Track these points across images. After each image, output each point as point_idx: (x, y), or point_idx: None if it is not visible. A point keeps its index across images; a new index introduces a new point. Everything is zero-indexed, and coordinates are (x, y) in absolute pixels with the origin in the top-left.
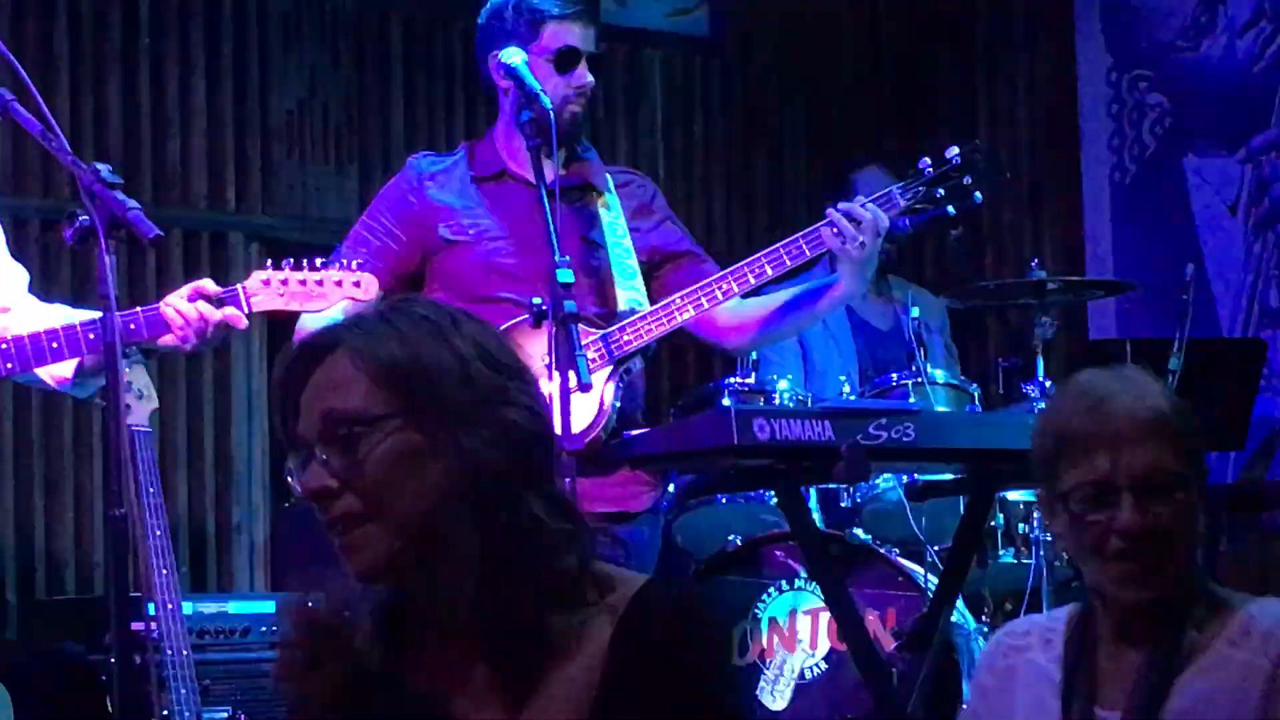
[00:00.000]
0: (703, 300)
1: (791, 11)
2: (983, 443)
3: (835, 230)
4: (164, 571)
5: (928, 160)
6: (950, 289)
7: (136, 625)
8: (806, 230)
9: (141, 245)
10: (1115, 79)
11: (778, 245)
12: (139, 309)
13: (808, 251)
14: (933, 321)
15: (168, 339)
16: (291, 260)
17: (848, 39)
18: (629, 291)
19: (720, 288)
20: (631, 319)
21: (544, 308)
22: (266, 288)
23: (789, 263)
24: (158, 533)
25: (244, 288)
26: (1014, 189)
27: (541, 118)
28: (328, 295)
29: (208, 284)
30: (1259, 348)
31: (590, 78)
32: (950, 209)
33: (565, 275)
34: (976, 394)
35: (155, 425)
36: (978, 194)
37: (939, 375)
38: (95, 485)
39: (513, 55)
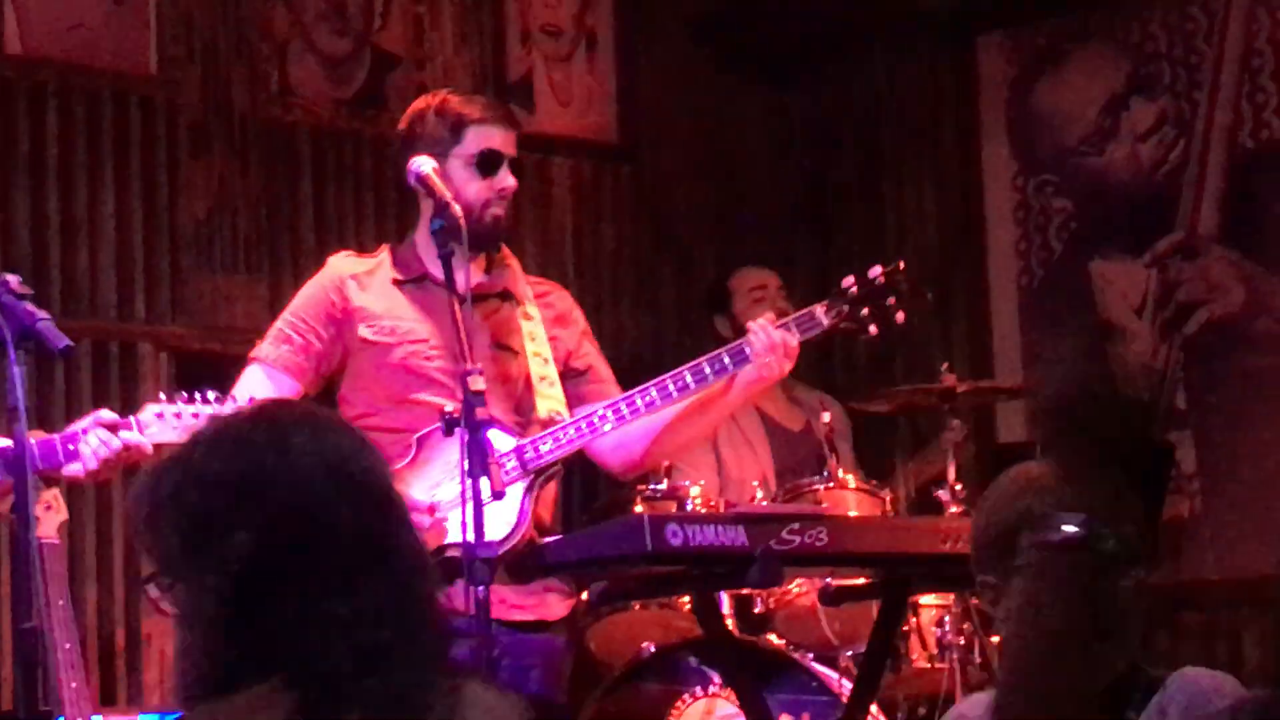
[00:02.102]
0: (624, 410)
1: (699, 118)
2: (896, 546)
3: (754, 348)
4: (74, 685)
5: (851, 280)
6: (859, 394)
7: None
8: (730, 346)
9: (50, 356)
10: (1021, 183)
11: (701, 359)
12: (51, 436)
13: (730, 365)
14: (841, 426)
15: (74, 468)
16: (184, 394)
17: (755, 144)
18: (548, 400)
19: (643, 398)
20: (552, 429)
21: (454, 416)
22: (160, 420)
23: (710, 376)
24: (67, 645)
25: (137, 420)
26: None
27: (452, 224)
28: None
29: (105, 414)
30: (1168, 450)
31: (513, 180)
32: (872, 328)
33: (477, 382)
34: (888, 498)
35: (64, 537)
36: (899, 315)
37: (851, 479)
38: (2, 598)
39: (423, 164)
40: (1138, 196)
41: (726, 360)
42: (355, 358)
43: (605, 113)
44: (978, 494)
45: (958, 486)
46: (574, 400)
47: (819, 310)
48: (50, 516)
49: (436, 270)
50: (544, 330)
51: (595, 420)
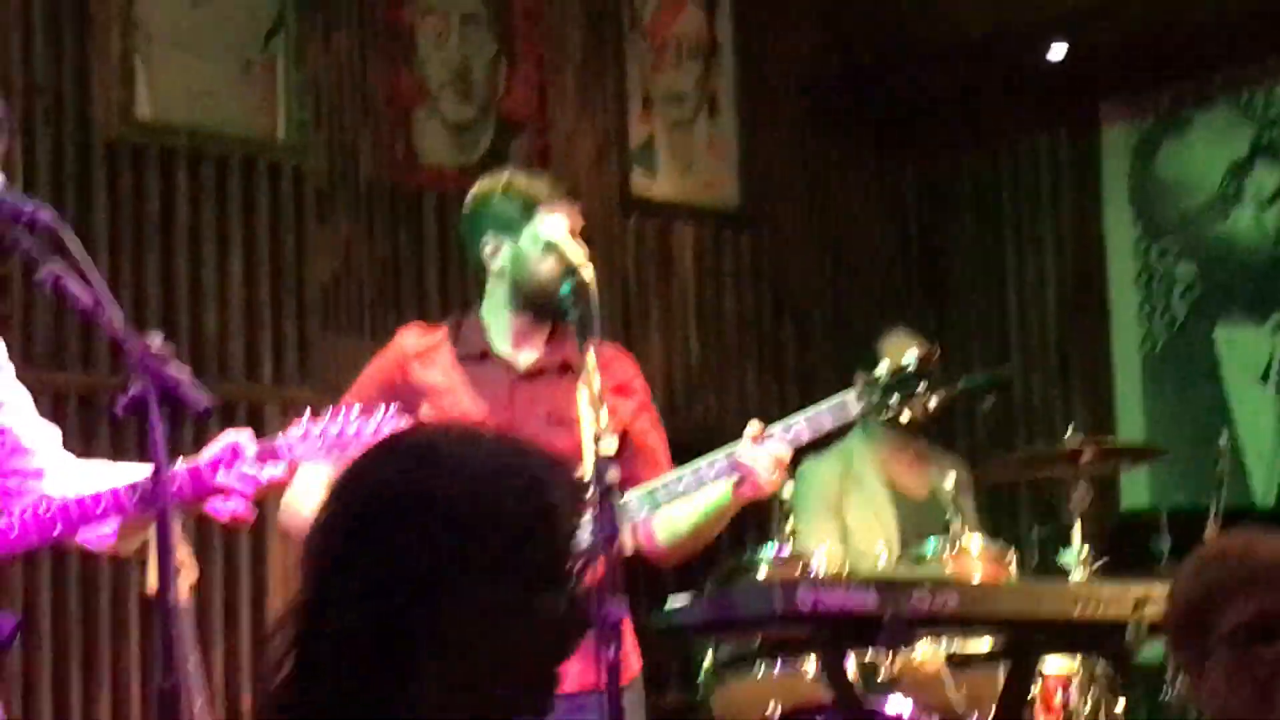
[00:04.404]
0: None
1: (816, 183)
2: (1024, 610)
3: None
4: None
5: (886, 365)
6: (982, 458)
7: None
8: (727, 450)
9: (193, 418)
10: (1144, 248)
11: (701, 463)
12: (180, 466)
13: (727, 469)
14: (965, 487)
15: (216, 505)
16: (329, 412)
17: (872, 210)
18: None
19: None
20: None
21: (584, 482)
22: (305, 440)
23: (709, 480)
24: (198, 706)
25: (285, 441)
26: (1042, 358)
27: (582, 287)
28: (365, 443)
29: (244, 441)
30: None
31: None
32: (904, 415)
33: (607, 447)
34: (1011, 561)
35: (193, 597)
36: (931, 401)
37: (976, 543)
38: (132, 660)
39: (554, 228)
40: (1262, 262)
41: (721, 465)
42: None
43: (726, 178)
44: (1097, 560)
45: (1083, 551)
46: (625, 476)
47: (848, 399)
48: (179, 577)
49: (503, 345)
50: (602, 396)
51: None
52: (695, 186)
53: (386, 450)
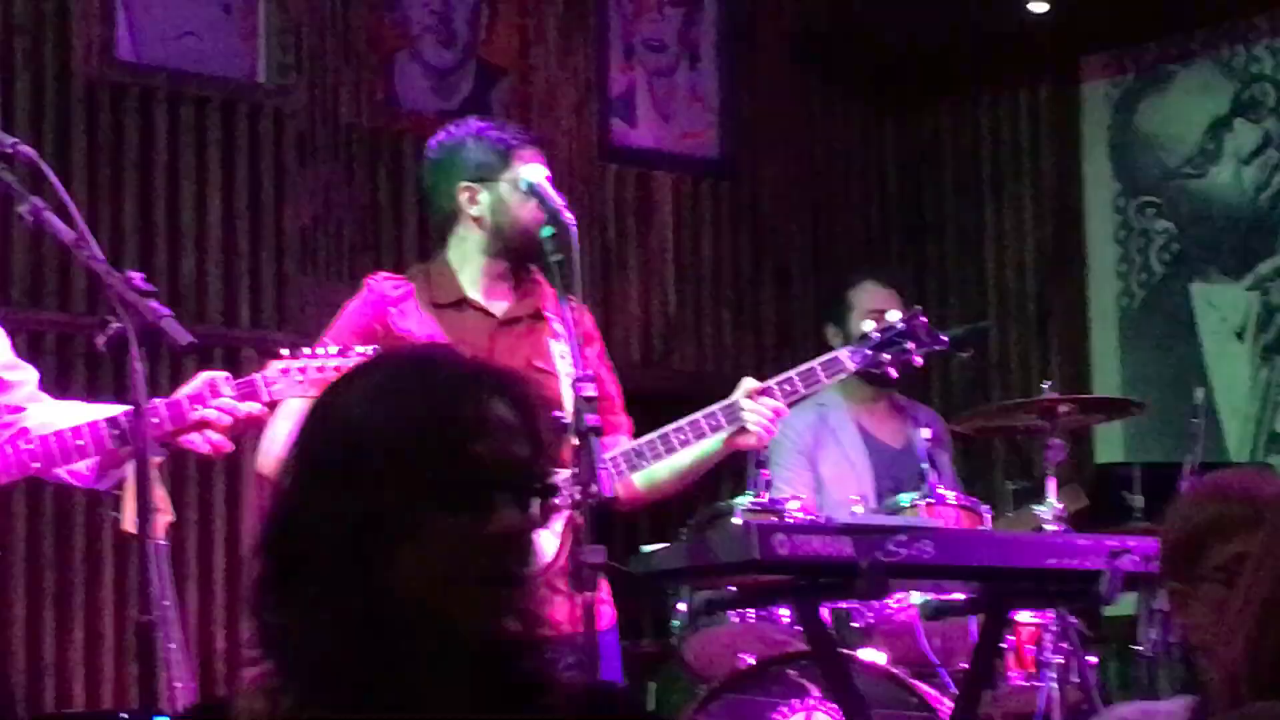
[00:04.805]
0: (638, 460)
1: (798, 135)
2: (1001, 561)
3: (750, 411)
4: (178, 685)
5: (874, 325)
6: (957, 411)
7: None
8: (724, 405)
9: (170, 354)
10: (1123, 205)
11: (699, 416)
12: (158, 400)
13: (724, 424)
14: (942, 441)
15: (194, 438)
16: (307, 349)
17: (852, 161)
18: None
19: (651, 450)
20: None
21: (565, 422)
22: (285, 376)
23: (707, 433)
24: (172, 646)
25: (263, 377)
26: (1020, 312)
27: (564, 231)
28: None
29: (221, 379)
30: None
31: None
32: (891, 371)
33: (589, 389)
34: (988, 515)
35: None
36: (918, 359)
37: (950, 496)
38: (106, 596)
39: (533, 173)
40: (1240, 219)
41: (720, 419)
42: None
43: (707, 128)
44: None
45: (1058, 505)
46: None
47: (841, 355)
48: (157, 518)
49: (475, 293)
50: (571, 346)
51: (624, 462)
52: (675, 135)
53: (343, 378)
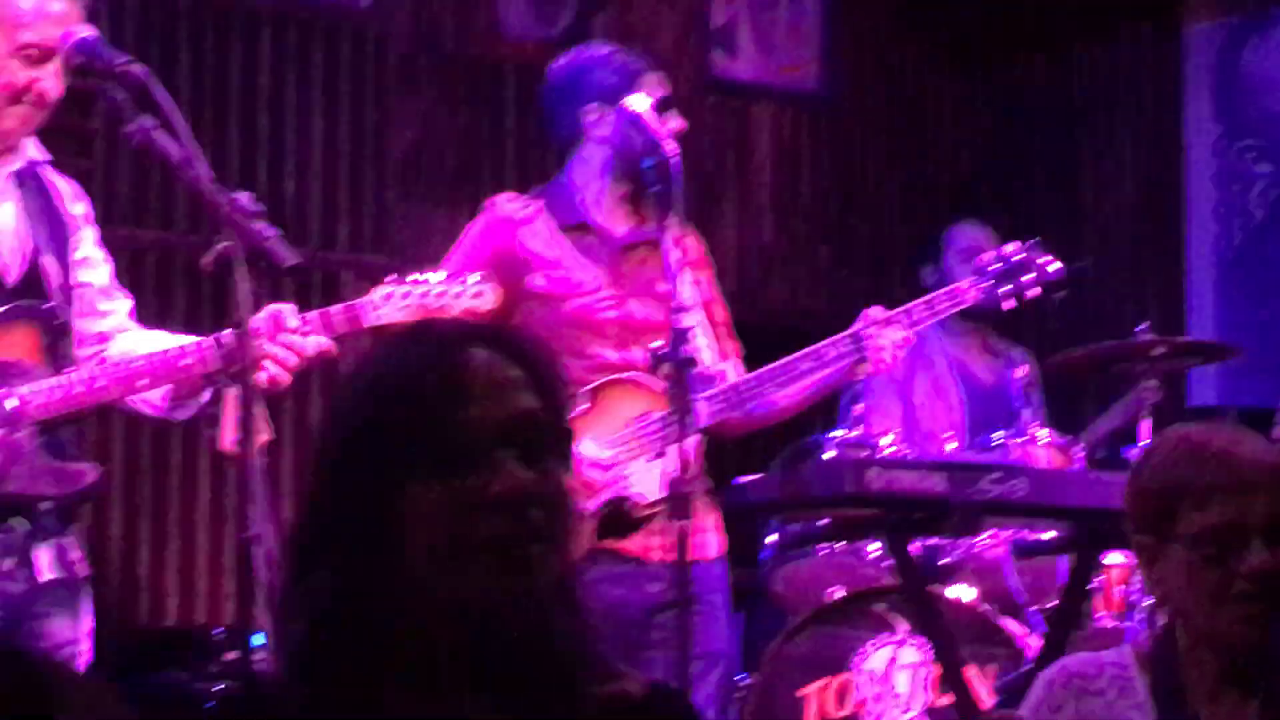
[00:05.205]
0: (765, 387)
1: (897, 72)
2: (1094, 501)
3: (875, 340)
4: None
5: (992, 256)
6: (1051, 352)
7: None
8: (848, 333)
9: (269, 275)
10: (1223, 148)
11: (824, 345)
12: (229, 332)
13: (848, 351)
14: (1035, 380)
15: (260, 377)
16: (415, 274)
17: (948, 98)
18: (702, 348)
19: (777, 377)
20: (713, 393)
21: (662, 353)
22: (389, 301)
23: (830, 362)
24: (268, 565)
25: (369, 301)
26: (1116, 254)
27: (664, 164)
28: (449, 307)
29: (287, 312)
30: None
31: (682, 122)
32: (1007, 304)
33: (686, 319)
34: (1080, 456)
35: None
36: (1035, 291)
37: (1043, 435)
38: (201, 514)
39: (636, 103)
40: None
41: (844, 347)
42: (522, 307)
43: (807, 61)
44: None
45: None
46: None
47: (962, 286)
48: (256, 436)
49: (598, 216)
50: (685, 275)
51: (747, 388)
52: (775, 68)
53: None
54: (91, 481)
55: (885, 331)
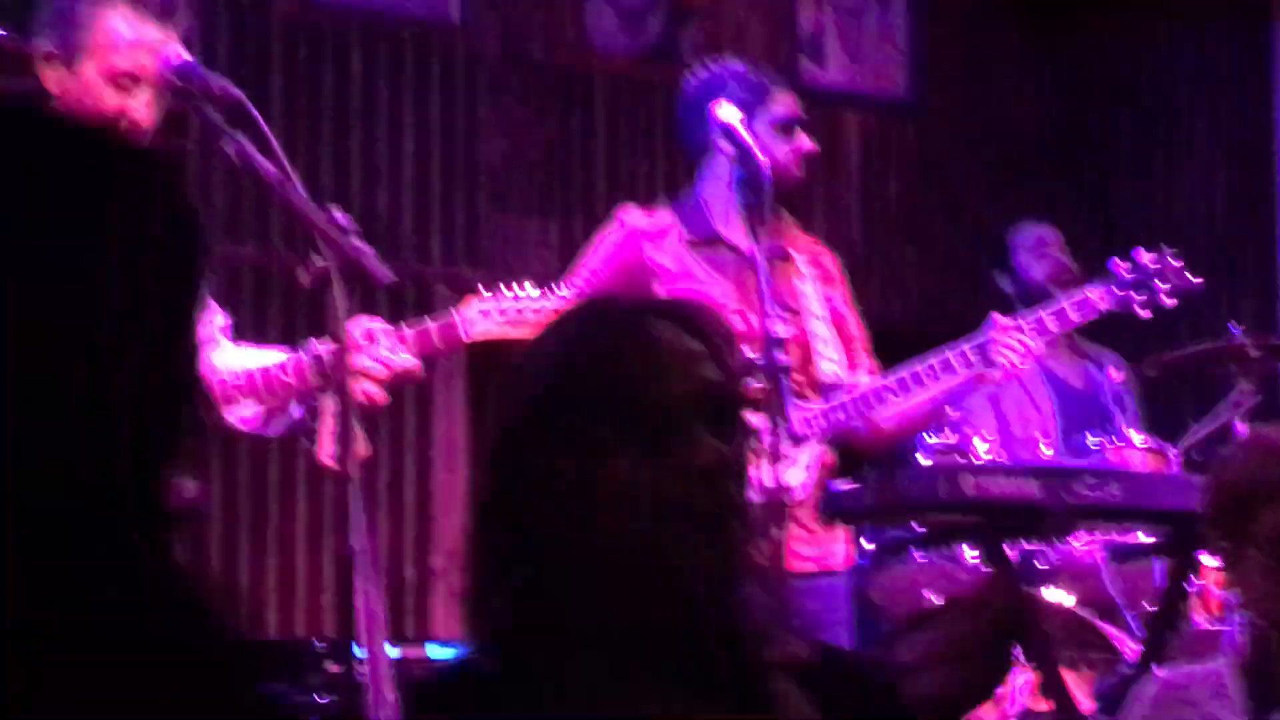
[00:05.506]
0: (892, 394)
1: (982, 73)
2: (1189, 504)
3: (1002, 346)
4: (373, 617)
5: (1119, 262)
6: (1143, 354)
7: (337, 668)
8: (974, 342)
9: (361, 291)
10: None
11: (947, 353)
12: (321, 349)
13: (974, 362)
14: (1128, 384)
15: (356, 392)
16: (506, 289)
17: (1036, 103)
18: (828, 362)
19: (904, 384)
20: (842, 402)
21: (757, 361)
22: (485, 318)
23: (958, 370)
24: (366, 579)
25: (462, 317)
26: (1206, 254)
27: (756, 176)
28: (543, 322)
29: (378, 329)
30: None
31: (811, 144)
32: (1143, 312)
33: (780, 329)
34: (1174, 458)
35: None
36: (1169, 301)
37: (1137, 439)
38: (300, 528)
39: (729, 114)
40: None
41: (972, 357)
42: None
43: (895, 68)
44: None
45: None
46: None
47: (1092, 296)
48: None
49: (726, 230)
50: (817, 289)
51: (873, 398)
52: (864, 76)
53: (532, 341)
54: (192, 497)
55: (1011, 336)
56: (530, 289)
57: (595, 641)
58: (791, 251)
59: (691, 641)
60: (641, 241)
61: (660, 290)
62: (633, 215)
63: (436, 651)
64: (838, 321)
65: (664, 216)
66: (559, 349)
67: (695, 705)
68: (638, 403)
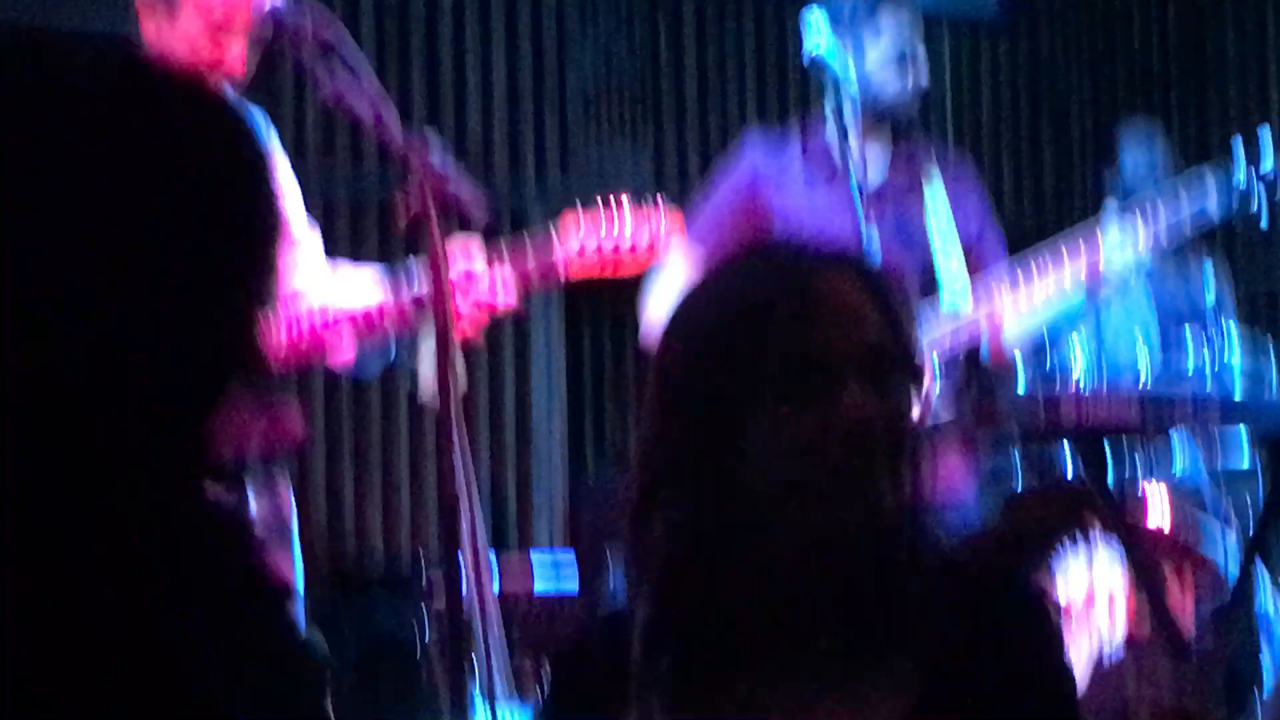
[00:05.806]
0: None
1: None
2: None
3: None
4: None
5: (1244, 175)
6: (1246, 270)
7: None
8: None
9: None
10: None
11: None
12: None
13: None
14: (1228, 299)
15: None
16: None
17: (1135, 7)
18: (951, 294)
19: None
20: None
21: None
22: (581, 256)
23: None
24: (471, 516)
25: (561, 251)
26: None
27: (840, 107)
28: (638, 245)
29: (480, 271)
30: None
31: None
32: (1257, 207)
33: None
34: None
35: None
36: None
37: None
38: (402, 464)
39: (816, 46)
40: None
41: (1082, 247)
42: None
43: None
44: None
45: None
46: (978, 268)
47: (1209, 200)
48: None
49: (849, 160)
50: (949, 209)
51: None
52: None
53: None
54: (297, 429)
55: (1121, 243)
56: (620, 207)
57: (737, 599)
58: (920, 173)
59: (828, 599)
60: (760, 185)
61: (775, 230)
62: (755, 152)
63: (537, 556)
64: (973, 245)
65: (789, 150)
66: (718, 292)
67: (853, 647)
68: (786, 353)
